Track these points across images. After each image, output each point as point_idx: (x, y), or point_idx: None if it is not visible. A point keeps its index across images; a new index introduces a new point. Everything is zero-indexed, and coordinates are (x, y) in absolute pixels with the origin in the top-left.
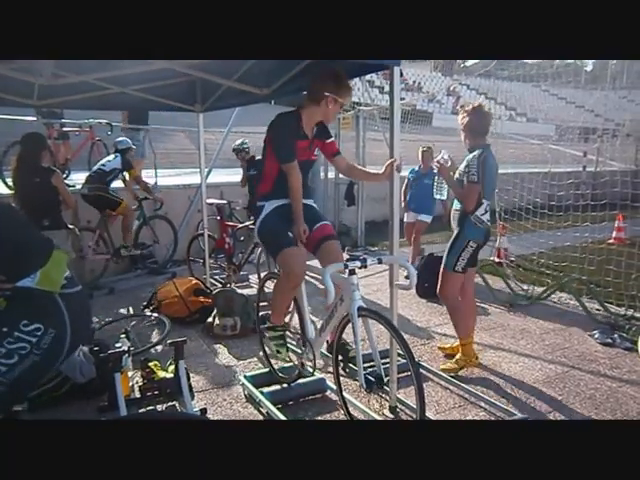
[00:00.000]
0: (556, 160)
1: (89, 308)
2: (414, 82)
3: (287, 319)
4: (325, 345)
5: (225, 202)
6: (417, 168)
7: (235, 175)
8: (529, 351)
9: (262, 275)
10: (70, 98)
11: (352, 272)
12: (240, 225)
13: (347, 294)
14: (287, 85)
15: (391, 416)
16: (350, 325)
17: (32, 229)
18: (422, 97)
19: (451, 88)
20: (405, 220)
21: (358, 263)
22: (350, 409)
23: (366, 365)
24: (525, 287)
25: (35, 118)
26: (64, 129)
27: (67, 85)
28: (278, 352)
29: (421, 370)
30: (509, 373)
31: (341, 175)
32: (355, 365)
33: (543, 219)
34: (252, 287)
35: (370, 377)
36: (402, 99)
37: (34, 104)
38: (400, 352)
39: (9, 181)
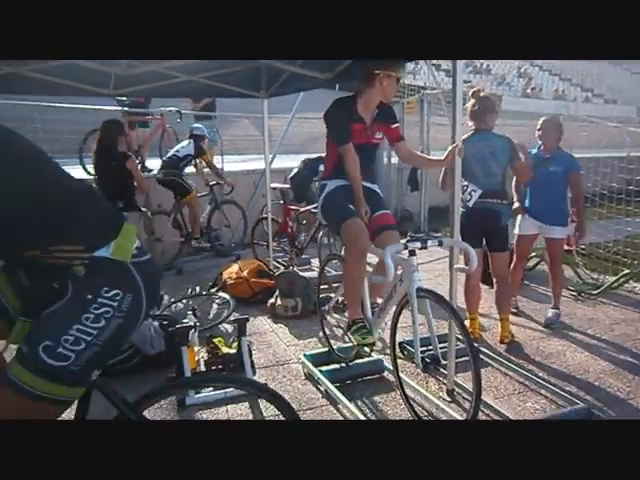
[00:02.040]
0: (636, 143)
1: (158, 274)
2: (482, 64)
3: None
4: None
5: (289, 186)
6: (536, 150)
7: (294, 161)
8: (596, 341)
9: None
10: (142, 87)
11: (412, 253)
12: (303, 209)
13: (406, 275)
14: (349, 69)
15: (448, 399)
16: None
17: (106, 203)
18: (490, 80)
19: (522, 70)
20: (519, 231)
21: (418, 244)
22: (407, 391)
23: (424, 348)
24: (595, 276)
25: (117, 108)
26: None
27: (140, 74)
28: (364, 338)
29: (481, 355)
30: (573, 362)
31: None
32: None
33: (620, 205)
34: (313, 270)
35: (427, 359)
36: (468, 82)
37: (110, 93)
38: (459, 336)
39: (89, 167)
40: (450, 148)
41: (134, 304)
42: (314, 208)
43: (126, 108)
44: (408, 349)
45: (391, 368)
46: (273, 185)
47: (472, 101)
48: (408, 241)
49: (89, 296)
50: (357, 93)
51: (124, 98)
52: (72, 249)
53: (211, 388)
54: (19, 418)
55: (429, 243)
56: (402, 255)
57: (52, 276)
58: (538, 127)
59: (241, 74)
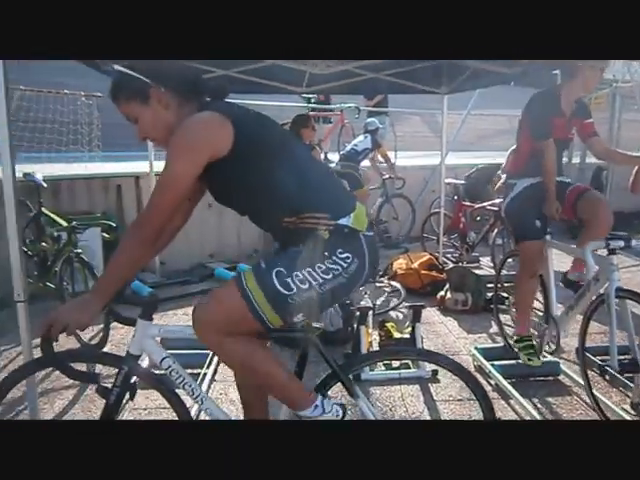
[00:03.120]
0: None
1: (377, 249)
2: None
3: None
4: None
5: (463, 182)
6: None
7: (466, 158)
8: None
9: (496, 258)
10: (330, 85)
11: (612, 251)
12: (477, 206)
13: (604, 274)
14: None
15: (632, 412)
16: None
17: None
18: None
19: None
20: None
21: (621, 242)
22: (586, 399)
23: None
24: None
25: (302, 104)
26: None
27: (332, 73)
28: (529, 360)
29: None
30: None
31: (587, 160)
32: None
33: None
34: (482, 268)
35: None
36: None
37: (301, 91)
38: None
39: None
40: None
41: (358, 269)
42: (490, 205)
43: (311, 105)
44: (587, 355)
45: (567, 372)
46: (447, 180)
47: None
48: (609, 239)
49: (326, 253)
50: (559, 86)
51: (310, 96)
52: (321, 216)
53: (384, 367)
54: (230, 317)
55: (633, 242)
56: (600, 253)
57: (299, 239)
58: None
59: (423, 70)
